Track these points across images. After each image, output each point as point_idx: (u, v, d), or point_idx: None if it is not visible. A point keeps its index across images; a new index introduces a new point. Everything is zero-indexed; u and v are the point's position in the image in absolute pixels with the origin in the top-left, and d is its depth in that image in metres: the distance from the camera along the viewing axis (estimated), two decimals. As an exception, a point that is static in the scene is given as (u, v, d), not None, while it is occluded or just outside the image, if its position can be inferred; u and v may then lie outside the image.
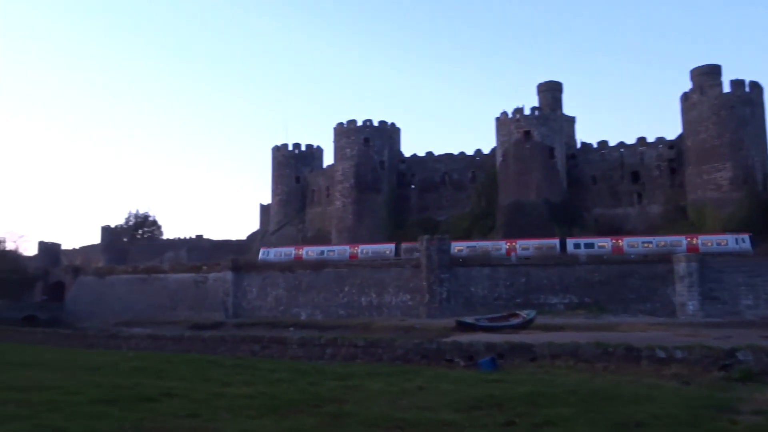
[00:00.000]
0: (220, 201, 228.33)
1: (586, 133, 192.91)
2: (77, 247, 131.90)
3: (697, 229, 66.18)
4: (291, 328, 55.55)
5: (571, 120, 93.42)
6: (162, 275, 72.92)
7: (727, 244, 57.33)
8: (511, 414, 9.98)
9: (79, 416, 9.68)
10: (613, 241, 61.51)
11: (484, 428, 9.16)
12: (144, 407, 10.56)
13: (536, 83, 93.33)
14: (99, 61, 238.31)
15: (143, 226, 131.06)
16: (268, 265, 68.16)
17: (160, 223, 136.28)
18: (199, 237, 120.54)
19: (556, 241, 63.22)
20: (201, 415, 9.92)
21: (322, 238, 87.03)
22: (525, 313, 47.24)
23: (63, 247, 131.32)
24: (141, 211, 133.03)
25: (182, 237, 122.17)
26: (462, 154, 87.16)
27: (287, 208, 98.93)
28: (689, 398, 11.62)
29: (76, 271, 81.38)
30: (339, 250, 70.58)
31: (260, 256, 74.21)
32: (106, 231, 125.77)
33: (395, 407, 10.74)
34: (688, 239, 59.02)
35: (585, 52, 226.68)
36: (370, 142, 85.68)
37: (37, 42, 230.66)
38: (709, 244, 57.89)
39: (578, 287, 56.82)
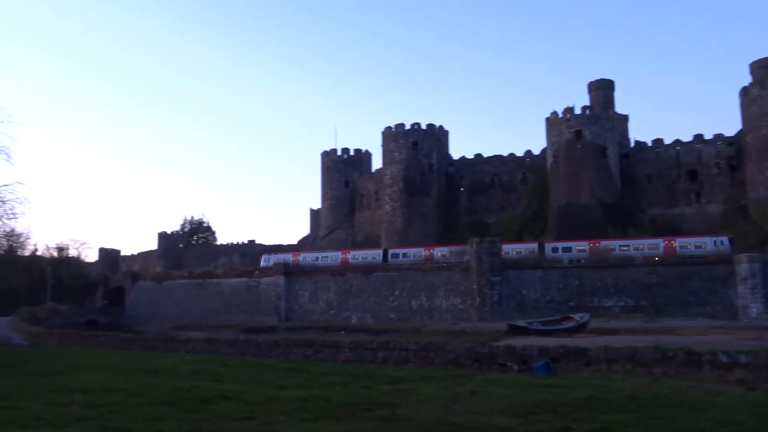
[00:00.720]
0: (271, 206, 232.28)
1: (640, 132, 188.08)
2: (135, 253, 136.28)
3: (759, 228, 63.62)
4: (342, 332, 55.88)
5: (624, 118, 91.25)
6: (216, 280, 74.50)
7: (705, 247, 57.60)
8: (567, 420, 9.79)
9: (141, 418, 9.98)
10: (592, 244, 62.36)
11: (540, 434, 9.02)
12: (202, 409, 10.80)
13: (587, 82, 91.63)
14: (160, 72, 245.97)
15: (198, 232, 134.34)
16: (319, 269, 68.87)
17: (213, 228, 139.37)
18: (252, 242, 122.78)
19: (535, 245, 65.20)
20: (257, 418, 10.08)
21: (371, 242, 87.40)
22: (579, 317, 46.26)
23: (122, 254, 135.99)
24: (195, 218, 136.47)
25: (235, 242, 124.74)
26: (511, 155, 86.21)
27: (337, 212, 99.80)
28: (755, 404, 11.17)
29: (135, 276, 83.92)
30: (332, 256, 73.23)
31: (261, 263, 78.68)
32: (163, 237, 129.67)
33: (448, 411, 10.68)
34: (666, 242, 59.75)
35: (637, 48, 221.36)
36: (418, 146, 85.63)
37: (96, 51, 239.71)
38: (688, 246, 58.39)
39: (634, 290, 55.36)
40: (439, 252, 66.56)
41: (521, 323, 45.86)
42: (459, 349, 20.06)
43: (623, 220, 72.45)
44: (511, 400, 11.68)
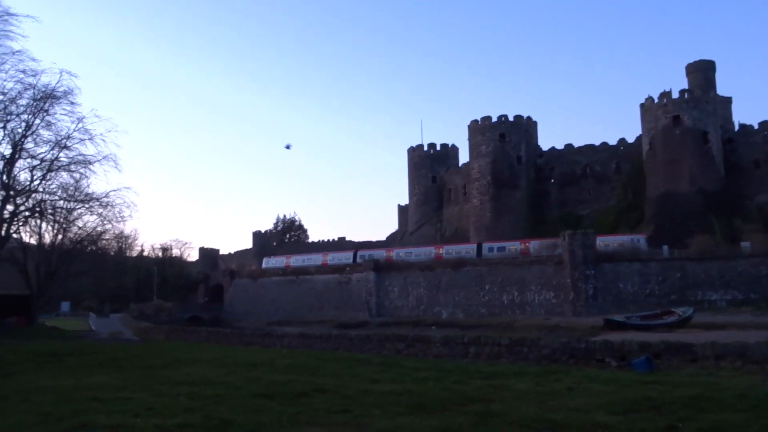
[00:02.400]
0: (360, 203, 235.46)
1: (745, 114, 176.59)
2: (233, 251, 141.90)
3: None
4: (433, 327, 55.94)
5: (727, 101, 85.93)
6: (309, 277, 76.39)
7: (624, 245, 59.94)
8: (672, 418, 9.33)
9: (242, 409, 10.38)
10: (523, 245, 66.62)
11: (643, 433, 8.65)
12: (299, 402, 11.10)
13: (685, 64, 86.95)
14: (253, 70, 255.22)
15: (290, 230, 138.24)
16: (409, 265, 69.14)
17: (305, 226, 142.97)
18: (342, 239, 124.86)
19: (473, 246, 69.89)
20: (352, 411, 10.24)
21: (460, 237, 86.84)
22: (681, 311, 44.06)
23: (221, 252, 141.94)
24: (288, 216, 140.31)
25: (326, 239, 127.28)
26: (604, 144, 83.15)
27: (425, 207, 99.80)
28: None
29: (233, 274, 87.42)
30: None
31: (263, 264, 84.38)
32: (257, 236, 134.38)
33: (544, 408, 10.44)
34: (522, 245, 64.19)
35: (741, 25, 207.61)
36: (506, 138, 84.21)
37: (193, 48, 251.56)
38: (606, 244, 60.73)
39: (742, 282, 52.10)
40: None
41: (619, 318, 44.32)
42: (554, 344, 19.61)
43: (728, 209, 68.23)
44: (610, 397, 11.28)
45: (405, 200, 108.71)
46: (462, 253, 69.64)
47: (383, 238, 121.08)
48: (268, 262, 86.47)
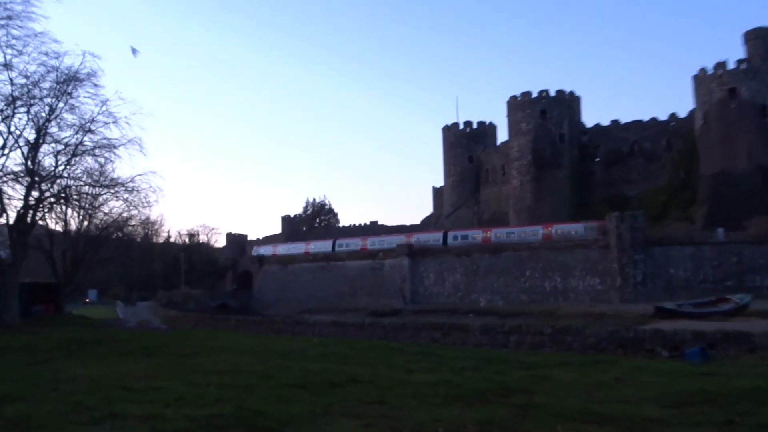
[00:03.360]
0: (393, 186, 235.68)
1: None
2: (261, 237, 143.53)
3: None
4: (470, 315, 55.94)
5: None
6: (340, 263, 76.96)
7: (576, 233, 63.04)
8: (730, 412, 9.16)
9: (274, 399, 10.53)
10: (485, 233, 70.76)
11: (698, 427, 8.51)
12: (332, 392, 11.20)
13: (742, 31, 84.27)
14: (279, 52, 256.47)
15: (320, 214, 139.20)
16: (444, 250, 69.09)
17: (335, 210, 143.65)
18: (374, 223, 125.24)
19: (440, 235, 73.86)
20: (387, 402, 10.29)
21: (499, 220, 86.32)
22: (738, 298, 43.15)
23: (249, 238, 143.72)
24: (317, 200, 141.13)
25: (357, 224, 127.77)
26: (653, 120, 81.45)
27: (461, 189, 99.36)
28: None
29: (261, 260, 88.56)
30: (298, 246, 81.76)
31: (253, 253, 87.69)
32: (286, 221, 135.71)
33: (590, 400, 10.35)
34: (545, 229, 65.89)
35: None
36: (547, 114, 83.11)
37: (222, 42, 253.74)
38: (560, 232, 64.01)
39: (806, 267, 50.84)
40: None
41: (670, 305, 43.65)
42: (600, 333, 19.45)
43: (790, 187, 66.40)
44: (661, 388, 11.13)
45: (440, 182, 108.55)
46: (430, 242, 73.03)
47: (417, 221, 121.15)
48: (257, 251, 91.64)
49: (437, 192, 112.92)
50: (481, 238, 70.24)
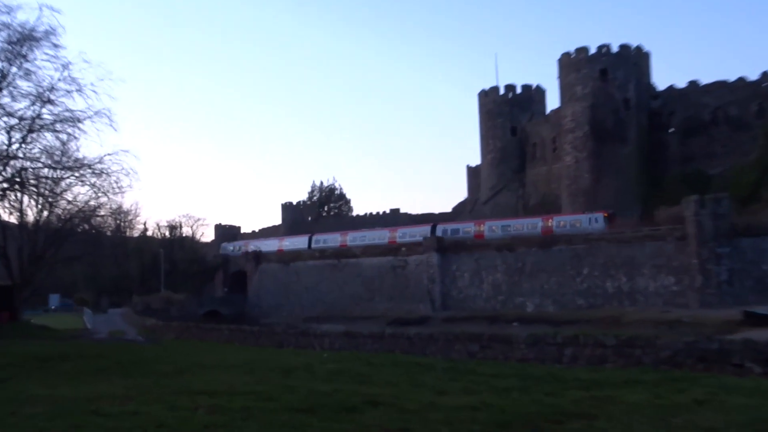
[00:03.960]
0: (418, 166, 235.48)
1: None
2: (257, 229, 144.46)
3: None
4: (515, 323, 55.91)
5: None
6: (354, 260, 77.23)
7: (581, 225, 67.14)
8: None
9: (275, 426, 10.60)
10: (477, 226, 75.51)
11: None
12: (346, 418, 11.26)
13: None
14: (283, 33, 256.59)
15: (329, 201, 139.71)
16: (483, 244, 69.02)
17: (348, 196, 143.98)
18: (395, 211, 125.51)
19: (427, 229, 78.86)
20: (413, 429, 10.33)
21: (549, 206, 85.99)
22: None
23: (242, 230, 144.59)
24: (326, 184, 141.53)
25: (375, 212, 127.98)
26: (741, 80, 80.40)
27: (502, 168, 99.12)
28: None
29: (258, 257, 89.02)
30: (270, 243, 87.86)
31: (221, 251, 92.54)
32: (288, 209, 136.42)
33: (665, 427, 10.32)
34: (544, 222, 70.47)
35: None
36: (608, 75, 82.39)
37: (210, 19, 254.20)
38: (563, 225, 68.66)
39: None
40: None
41: (763, 310, 43.32)
42: (676, 344, 19.32)
43: None
44: (755, 413, 11.06)
45: (476, 160, 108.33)
46: (417, 237, 75.99)
47: (448, 209, 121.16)
48: (225, 249, 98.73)
49: (473, 173, 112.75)
50: (473, 232, 74.54)
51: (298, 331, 36.35)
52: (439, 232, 75.82)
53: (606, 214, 67.89)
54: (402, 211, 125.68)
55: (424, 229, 79.48)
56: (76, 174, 42.09)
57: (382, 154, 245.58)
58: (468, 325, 49.84)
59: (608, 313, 55.28)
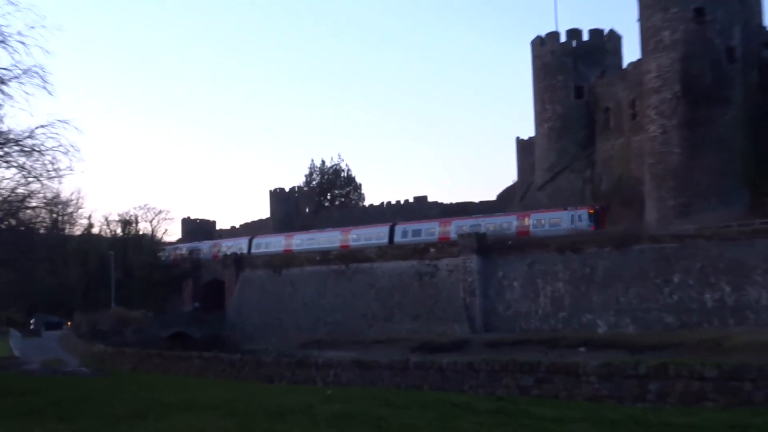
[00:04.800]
0: (451, 141, 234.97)
1: None
2: (238, 225, 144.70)
3: None
4: (581, 349, 55.77)
5: None
6: (366, 264, 77.26)
7: (562, 224, 73.06)
8: None
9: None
10: (441, 224, 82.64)
11: None
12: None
13: None
14: None
15: (333, 186, 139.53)
16: (538, 243, 68.77)
17: (358, 181, 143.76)
18: (421, 200, 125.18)
19: (385, 229, 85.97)
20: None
21: (627, 193, 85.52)
22: None
23: (218, 227, 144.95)
24: (329, 164, 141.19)
25: (394, 201, 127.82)
26: None
27: (563, 142, 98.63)
28: None
29: (239, 262, 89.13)
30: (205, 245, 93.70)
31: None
32: (278, 198, 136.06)
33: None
34: (520, 219, 77.36)
35: None
36: (706, 16, 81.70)
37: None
38: (542, 223, 74.82)
39: None
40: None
41: None
42: (799, 377, 19.21)
43: None
44: None
45: (528, 131, 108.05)
46: (373, 239, 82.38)
47: (492, 197, 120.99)
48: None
49: (524, 148, 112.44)
50: (437, 233, 79.63)
51: (293, 360, 36.22)
52: (398, 235, 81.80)
53: (591, 211, 73.28)
54: (431, 199, 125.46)
55: (381, 230, 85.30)
56: (-1, 152, 42.23)
57: (403, 127, 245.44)
58: (519, 351, 49.75)
59: (707, 334, 55.06)
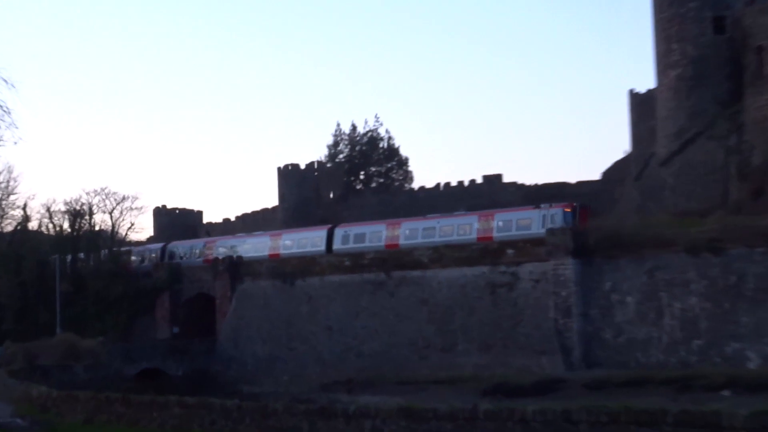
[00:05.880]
0: (532, 103, 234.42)
1: None
2: (233, 217, 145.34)
3: None
4: (725, 392, 55.45)
5: None
6: (416, 273, 77.32)
7: (531, 226, 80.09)
8: None
9: None
10: (388, 227, 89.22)
11: None
12: None
13: None
14: None
15: (368, 161, 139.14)
16: (662, 241, 68.29)
17: (404, 155, 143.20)
18: (493, 180, 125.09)
19: (321, 233, 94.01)
20: None
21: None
22: None
23: (206, 220, 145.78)
24: (361, 129, 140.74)
25: (455, 183, 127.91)
26: None
27: (696, 97, 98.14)
28: None
29: (235, 269, 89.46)
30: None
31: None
32: (290, 179, 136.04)
33: None
34: (481, 220, 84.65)
35: None
36: None
37: None
38: (503, 225, 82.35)
39: None
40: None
41: None
42: None
43: None
44: None
45: (647, 81, 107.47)
46: (307, 247, 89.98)
47: (596, 175, 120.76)
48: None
49: (640, 105, 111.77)
50: (384, 237, 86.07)
51: (312, 407, 36.28)
52: (337, 240, 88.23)
53: (568, 209, 79.89)
54: (507, 179, 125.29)
55: (317, 234, 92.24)
56: None
57: (463, 79, 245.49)
58: (635, 395, 49.63)
59: None
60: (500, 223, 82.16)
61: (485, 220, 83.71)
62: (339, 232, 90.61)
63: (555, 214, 78.86)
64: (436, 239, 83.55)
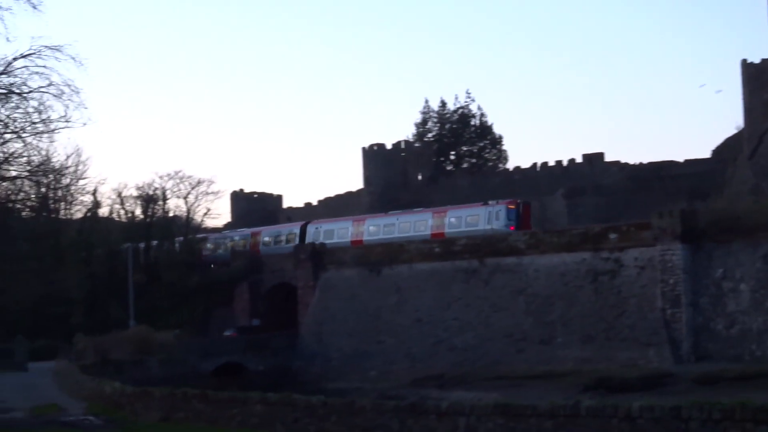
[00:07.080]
0: (636, 75, 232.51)
1: None
2: (315, 201, 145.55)
3: None
4: None
5: None
6: (511, 259, 76.95)
7: (479, 223, 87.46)
8: None
9: None
10: (354, 224, 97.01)
11: None
12: None
13: None
14: None
15: (460, 141, 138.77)
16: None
17: (498, 133, 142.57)
18: (594, 158, 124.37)
19: (295, 228, 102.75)
20: None
21: None
22: None
23: (285, 205, 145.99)
24: (451, 105, 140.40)
25: (552, 162, 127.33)
26: None
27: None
28: None
29: (319, 257, 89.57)
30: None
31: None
32: (376, 160, 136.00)
33: None
34: (436, 217, 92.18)
35: None
36: None
37: None
38: (460, 222, 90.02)
39: None
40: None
41: None
42: None
43: None
44: None
45: (761, 50, 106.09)
46: (282, 243, 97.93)
47: (706, 153, 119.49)
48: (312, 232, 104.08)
49: (755, 76, 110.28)
50: (351, 234, 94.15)
51: (403, 404, 36.29)
52: (309, 237, 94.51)
53: (512, 206, 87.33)
54: (609, 158, 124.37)
55: (291, 230, 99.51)
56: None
57: (558, 49, 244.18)
58: (751, 390, 49.10)
59: None
60: (452, 220, 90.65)
61: (438, 216, 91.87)
62: (311, 228, 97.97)
63: (499, 210, 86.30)
64: (396, 235, 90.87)
